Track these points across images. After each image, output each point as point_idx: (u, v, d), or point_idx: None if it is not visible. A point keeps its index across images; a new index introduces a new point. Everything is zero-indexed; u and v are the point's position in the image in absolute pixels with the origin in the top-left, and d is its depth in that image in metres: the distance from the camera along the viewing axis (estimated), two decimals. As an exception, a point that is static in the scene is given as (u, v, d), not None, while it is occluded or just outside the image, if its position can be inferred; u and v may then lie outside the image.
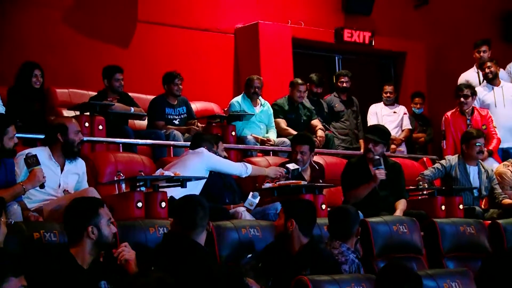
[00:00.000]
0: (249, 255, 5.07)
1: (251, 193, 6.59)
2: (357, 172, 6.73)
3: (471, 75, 9.75)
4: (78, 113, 7.73)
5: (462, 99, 8.71)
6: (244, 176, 6.81)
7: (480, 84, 9.50)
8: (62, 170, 5.78)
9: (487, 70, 9.20)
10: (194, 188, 6.23)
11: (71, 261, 4.16)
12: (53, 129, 5.90)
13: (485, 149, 7.98)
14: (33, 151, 5.71)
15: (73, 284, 4.02)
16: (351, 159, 7.38)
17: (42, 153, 5.73)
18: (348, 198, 6.68)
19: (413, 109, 10.50)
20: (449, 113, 8.94)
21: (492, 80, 9.20)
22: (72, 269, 4.12)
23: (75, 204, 4.40)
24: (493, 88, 9.19)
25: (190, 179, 6.16)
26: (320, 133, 9.12)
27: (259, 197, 6.56)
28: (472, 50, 9.83)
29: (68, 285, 4.00)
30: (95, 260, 4.26)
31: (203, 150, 6.63)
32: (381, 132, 6.87)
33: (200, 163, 6.46)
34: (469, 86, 8.88)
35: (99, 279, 4.18)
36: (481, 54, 9.68)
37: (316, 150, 8.72)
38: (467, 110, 8.72)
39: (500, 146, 8.87)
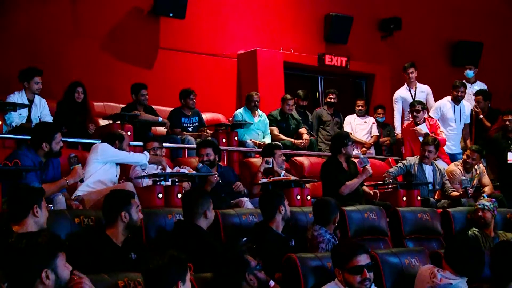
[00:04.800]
0: (245, 239, 5.05)
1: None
2: (338, 170, 6.72)
3: (404, 92, 9.64)
4: (111, 121, 7.72)
5: (414, 113, 8.71)
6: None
7: (413, 98, 9.39)
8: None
9: (460, 94, 9.12)
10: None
11: (108, 240, 4.20)
12: (114, 136, 6.14)
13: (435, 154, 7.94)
14: None
15: (111, 258, 4.06)
16: (325, 161, 7.15)
17: None
18: (343, 190, 6.53)
19: (376, 118, 10.51)
20: (405, 125, 9.03)
21: (458, 101, 9.16)
22: (109, 246, 4.17)
23: (113, 194, 4.43)
24: (454, 107, 9.16)
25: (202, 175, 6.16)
26: (305, 136, 9.12)
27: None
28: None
29: (107, 259, 4.03)
30: (126, 238, 4.29)
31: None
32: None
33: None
34: (420, 103, 8.86)
35: (130, 252, 4.22)
36: (410, 74, 9.60)
37: (301, 151, 8.78)
38: (419, 122, 8.72)
39: (450, 152, 8.88)
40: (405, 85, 9.69)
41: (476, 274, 4.39)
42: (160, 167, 6.34)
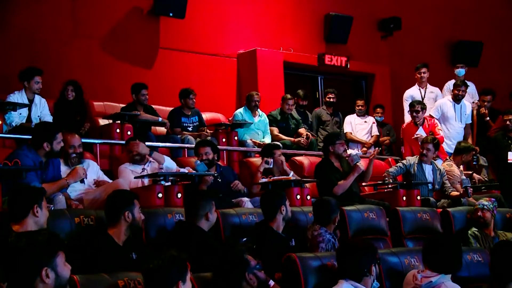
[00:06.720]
0: (245, 239, 5.05)
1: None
2: (330, 170, 6.70)
3: (414, 92, 9.65)
4: (111, 121, 7.72)
5: (414, 113, 8.71)
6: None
7: (422, 98, 9.43)
8: None
9: (460, 93, 9.12)
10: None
11: (110, 240, 4.22)
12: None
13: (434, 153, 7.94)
14: None
15: (112, 258, 4.07)
16: (318, 162, 7.06)
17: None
18: (336, 190, 6.53)
19: (375, 117, 10.51)
20: (405, 125, 9.01)
21: (458, 100, 9.15)
22: (111, 246, 4.18)
23: (116, 194, 4.44)
24: (455, 105, 9.16)
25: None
26: (305, 135, 9.10)
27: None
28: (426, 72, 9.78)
29: (109, 259, 4.04)
30: (127, 238, 4.30)
31: None
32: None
33: None
34: (420, 103, 8.88)
35: (131, 252, 4.23)
36: (422, 74, 9.61)
37: (301, 151, 8.77)
38: (418, 122, 8.72)
39: (450, 151, 8.86)
40: (416, 85, 9.69)
41: (453, 269, 4.42)
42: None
